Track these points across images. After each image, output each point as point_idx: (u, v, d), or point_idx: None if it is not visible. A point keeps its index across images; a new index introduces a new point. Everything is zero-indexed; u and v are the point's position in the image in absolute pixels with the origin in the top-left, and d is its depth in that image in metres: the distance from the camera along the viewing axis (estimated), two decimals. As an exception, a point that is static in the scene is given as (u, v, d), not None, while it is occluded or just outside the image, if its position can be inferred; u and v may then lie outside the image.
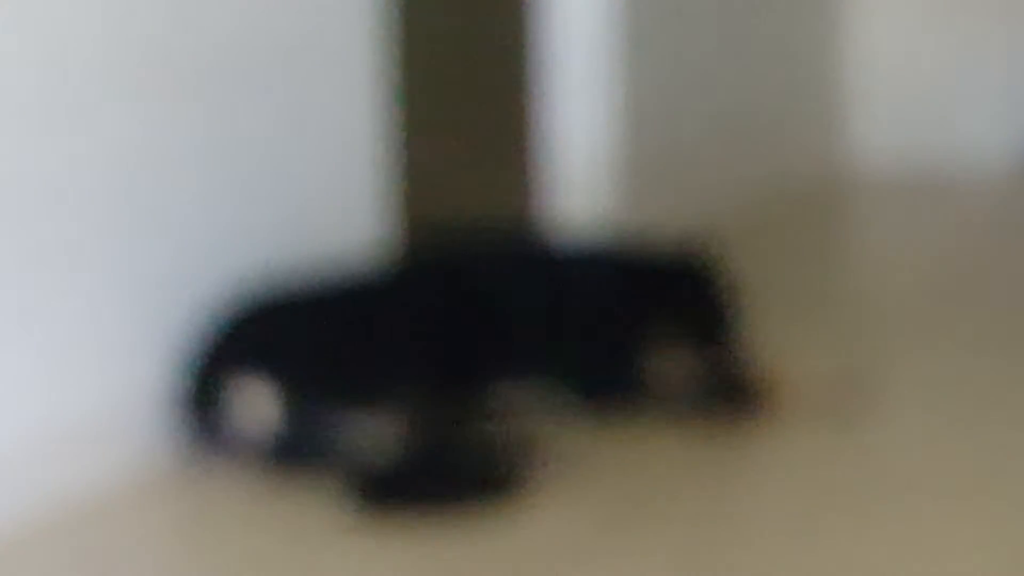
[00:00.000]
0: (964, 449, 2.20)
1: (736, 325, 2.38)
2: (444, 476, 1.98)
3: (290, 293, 2.23)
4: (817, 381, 2.44)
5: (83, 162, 2.09)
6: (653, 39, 3.53)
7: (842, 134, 4.31)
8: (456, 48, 3.49)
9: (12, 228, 1.94)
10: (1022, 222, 3.94)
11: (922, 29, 4.19)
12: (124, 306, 2.17)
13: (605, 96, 3.30)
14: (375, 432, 2.06)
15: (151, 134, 2.20)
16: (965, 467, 2.10)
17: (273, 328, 2.17)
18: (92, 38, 2.12)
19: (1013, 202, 4.09)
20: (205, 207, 2.31)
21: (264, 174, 2.45)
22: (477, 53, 3.51)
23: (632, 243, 2.60)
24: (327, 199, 2.60)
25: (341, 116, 2.64)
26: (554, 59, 3.31)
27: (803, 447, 2.22)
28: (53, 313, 2.03)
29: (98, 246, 2.12)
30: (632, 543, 1.81)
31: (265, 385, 2.04)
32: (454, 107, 3.47)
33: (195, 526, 2.04)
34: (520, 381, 2.27)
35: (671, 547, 1.82)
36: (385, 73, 2.69)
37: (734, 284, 2.43)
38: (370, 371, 2.13)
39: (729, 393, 2.26)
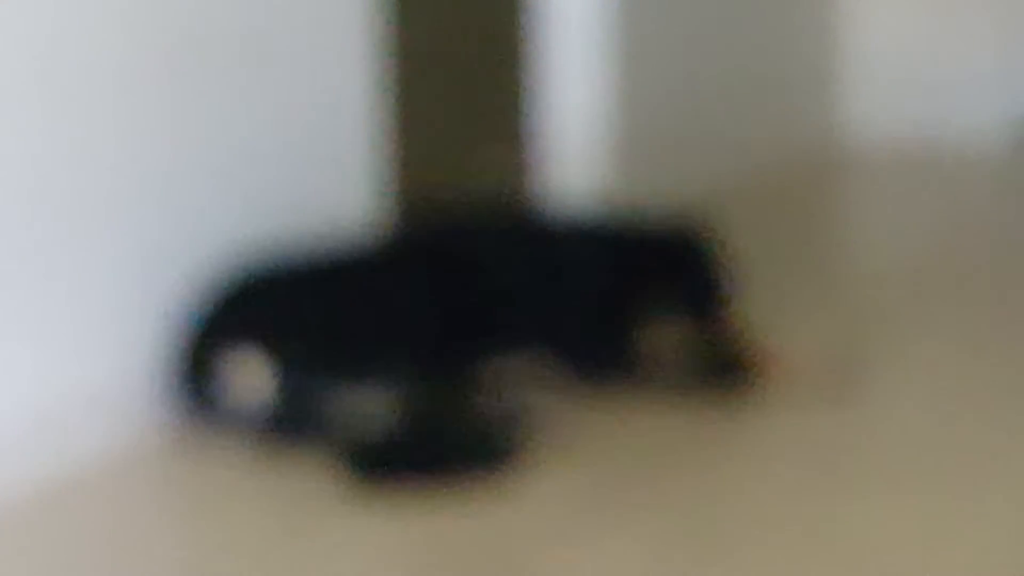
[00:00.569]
0: (954, 427, 2.18)
1: (729, 300, 2.34)
2: (438, 448, 1.97)
3: (284, 267, 2.19)
4: (810, 357, 2.39)
5: (78, 139, 2.06)
6: (647, 14, 3.46)
7: (837, 109, 4.28)
8: (451, 23, 3.36)
9: (9, 205, 1.92)
10: (1014, 198, 3.90)
11: (918, 7, 4.14)
12: (119, 279, 2.14)
13: (600, 71, 3.26)
14: (370, 404, 2.04)
15: (144, 111, 2.16)
16: (954, 444, 2.08)
17: (267, 301, 2.13)
18: (93, 21, 2.08)
19: (1005, 178, 4.04)
20: (198, 181, 2.27)
21: (257, 148, 2.40)
22: (472, 27, 3.40)
23: (626, 217, 2.55)
24: (322, 172, 2.55)
25: (336, 90, 2.59)
26: (549, 33, 3.23)
27: (794, 423, 2.18)
28: (49, 288, 2.01)
29: (93, 221, 2.11)
30: (623, 516, 1.79)
31: (259, 358, 2.01)
32: (449, 81, 3.38)
33: (191, 497, 2.01)
34: (514, 354, 2.23)
35: (662, 520, 1.80)
36: (380, 48, 2.61)
37: (728, 259, 2.39)
38: (365, 344, 2.09)
39: (722, 368, 2.22)
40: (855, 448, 2.10)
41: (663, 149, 3.44)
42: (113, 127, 2.11)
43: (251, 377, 2.03)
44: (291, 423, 2.01)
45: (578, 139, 3.21)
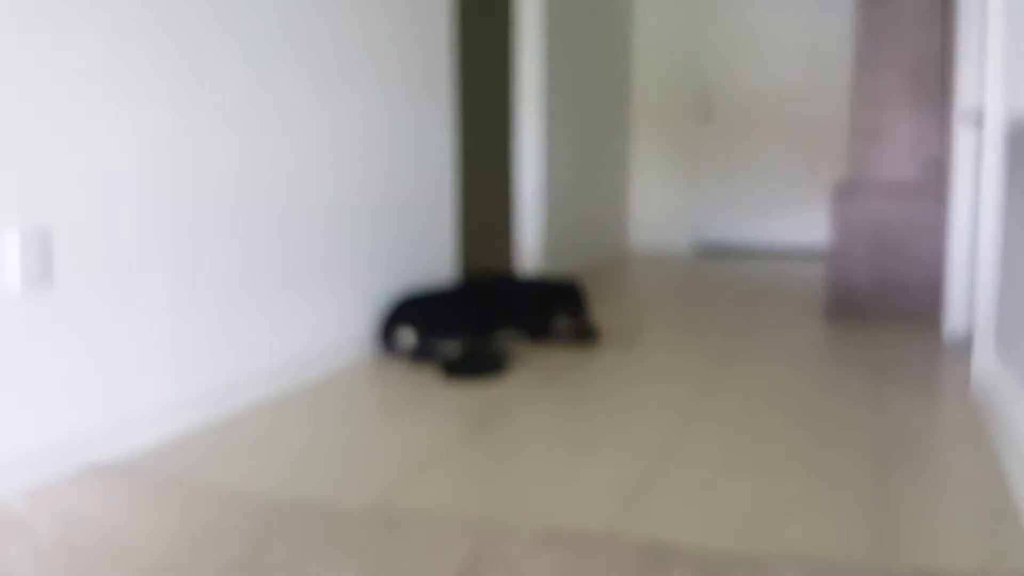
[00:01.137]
0: (674, 361, 3.27)
1: (586, 308, 3.57)
2: (476, 364, 2.99)
3: (420, 291, 3.34)
4: (616, 331, 3.62)
5: (335, 202, 3.11)
6: (556, 193, 5.35)
7: (625, 235, 7.22)
8: (482, 164, 5.52)
9: (318, 236, 3.01)
10: (692, 270, 5.76)
11: (658, 192, 7.22)
12: (358, 292, 3.26)
13: (539, 217, 4.96)
14: (450, 347, 3.12)
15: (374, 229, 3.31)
16: (676, 369, 3.16)
17: (412, 305, 3.23)
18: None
19: (690, 265, 6.10)
20: (392, 250, 3.47)
21: (415, 241, 3.64)
22: (489, 176, 5.56)
23: (548, 276, 4.00)
24: (435, 252, 3.88)
25: (445, 221, 3.87)
26: (521, 203, 5.01)
27: (612, 356, 3.35)
28: (329, 285, 3.05)
29: (349, 261, 3.17)
30: (546, 392, 2.78)
31: (410, 329, 3.18)
32: (476, 214, 5.39)
33: (382, 381, 2.92)
34: (505, 329, 3.40)
35: (563, 393, 2.77)
36: (456, 185, 3.91)
37: (584, 293, 3.60)
38: (450, 323, 3.19)
39: (584, 335, 3.49)
40: (636, 366, 3.18)
41: (563, 250, 5.34)
42: (360, 202, 3.22)
43: (407, 337, 3.17)
44: (421, 355, 3.12)
45: (531, 245, 4.90)
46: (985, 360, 2.60)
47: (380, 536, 1.67)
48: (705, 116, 7.00)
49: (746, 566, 1.53)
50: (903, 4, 4.09)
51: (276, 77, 2.79)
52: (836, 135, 6.81)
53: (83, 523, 1.74)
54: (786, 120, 6.82)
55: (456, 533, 1.68)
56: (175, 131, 2.37)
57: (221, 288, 2.58)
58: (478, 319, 3.30)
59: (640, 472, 2.07)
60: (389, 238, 3.45)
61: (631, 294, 4.98)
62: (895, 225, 4.03)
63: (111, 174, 2.17)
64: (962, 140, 3.50)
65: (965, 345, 3.37)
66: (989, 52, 2.64)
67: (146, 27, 2.26)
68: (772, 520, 1.79)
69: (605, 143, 6.37)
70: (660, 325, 4.06)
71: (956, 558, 1.61)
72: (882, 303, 4.07)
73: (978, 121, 3.32)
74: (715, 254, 6.95)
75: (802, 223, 6.90)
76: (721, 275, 5.74)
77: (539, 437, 2.33)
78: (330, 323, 3.12)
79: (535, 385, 2.90)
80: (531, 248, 5.01)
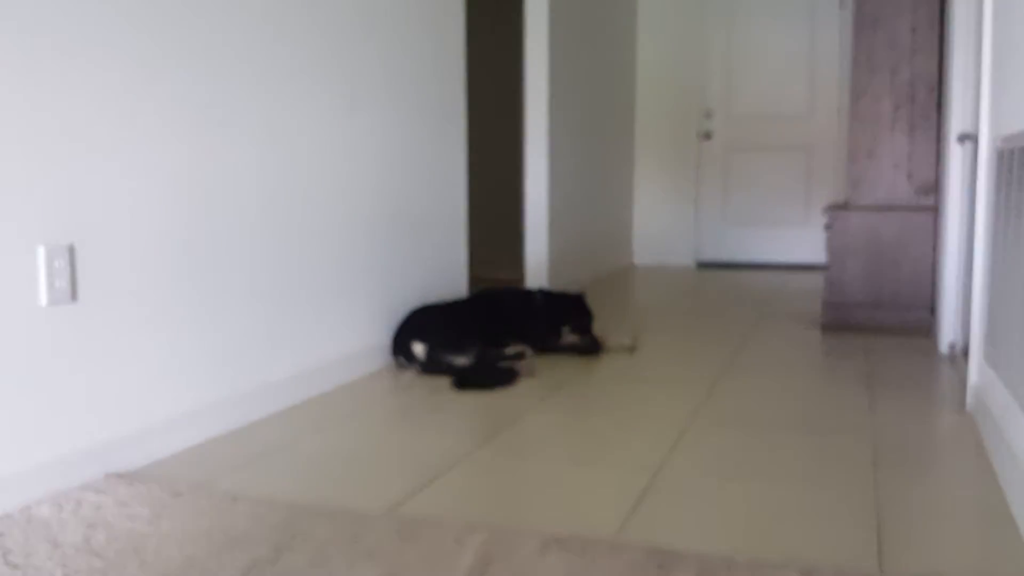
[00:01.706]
0: (674, 365, 3.37)
1: (591, 322, 3.61)
2: (486, 375, 3.03)
3: (430, 304, 3.40)
4: (620, 342, 3.68)
5: (374, 218, 3.19)
6: (562, 207, 5.40)
7: (629, 251, 7.28)
8: (491, 186, 5.61)
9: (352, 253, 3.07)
10: (694, 282, 5.83)
11: (659, 208, 7.22)
12: (374, 304, 3.30)
13: (545, 233, 5.07)
14: (463, 359, 3.15)
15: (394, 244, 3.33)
16: (675, 370, 3.26)
17: (423, 319, 3.27)
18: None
19: (692, 276, 6.18)
20: (406, 266, 3.50)
21: (428, 255, 3.69)
22: (499, 194, 5.67)
23: (555, 291, 3.76)
24: (448, 266, 3.92)
25: (457, 235, 3.93)
26: (528, 218, 5.09)
27: (617, 365, 3.39)
28: (349, 302, 3.11)
29: (362, 274, 3.18)
30: (554, 399, 2.82)
31: (421, 343, 3.20)
32: (486, 229, 5.57)
33: (396, 387, 3.00)
34: (514, 340, 3.38)
35: (569, 402, 2.79)
36: (467, 201, 3.97)
37: (589, 307, 3.68)
38: (461, 336, 3.18)
39: (590, 346, 3.54)
40: (640, 375, 3.22)
41: (568, 265, 5.41)
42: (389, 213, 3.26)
43: (418, 350, 3.20)
44: (432, 366, 3.16)
45: (538, 261, 5.02)
46: (979, 370, 2.59)
47: (395, 540, 1.68)
48: (705, 137, 7.02)
49: (746, 571, 1.53)
50: (897, 29, 4.11)
51: (297, 98, 2.82)
52: (832, 156, 6.82)
53: (106, 528, 1.75)
54: (784, 141, 6.84)
55: (467, 537, 1.69)
56: (196, 150, 2.39)
57: (240, 301, 2.59)
58: (487, 332, 3.31)
59: (644, 479, 2.08)
60: (404, 252, 3.49)
61: (634, 305, 5.02)
62: (889, 240, 4.04)
63: (134, 192, 2.19)
64: (954, 160, 3.50)
65: (960, 356, 3.35)
66: (982, 76, 2.65)
67: (168, 50, 2.28)
68: (773, 526, 1.79)
69: (609, 162, 6.42)
70: (662, 335, 4.08)
71: (953, 566, 1.60)
72: (877, 316, 4.09)
73: (969, 142, 3.33)
74: (715, 269, 6.93)
75: (800, 241, 6.90)
76: (721, 288, 5.77)
77: (547, 444, 2.36)
78: (346, 335, 3.14)
79: (543, 394, 2.93)
80: (538, 262, 5.06)
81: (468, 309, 3.38)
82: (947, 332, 3.60)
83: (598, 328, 3.81)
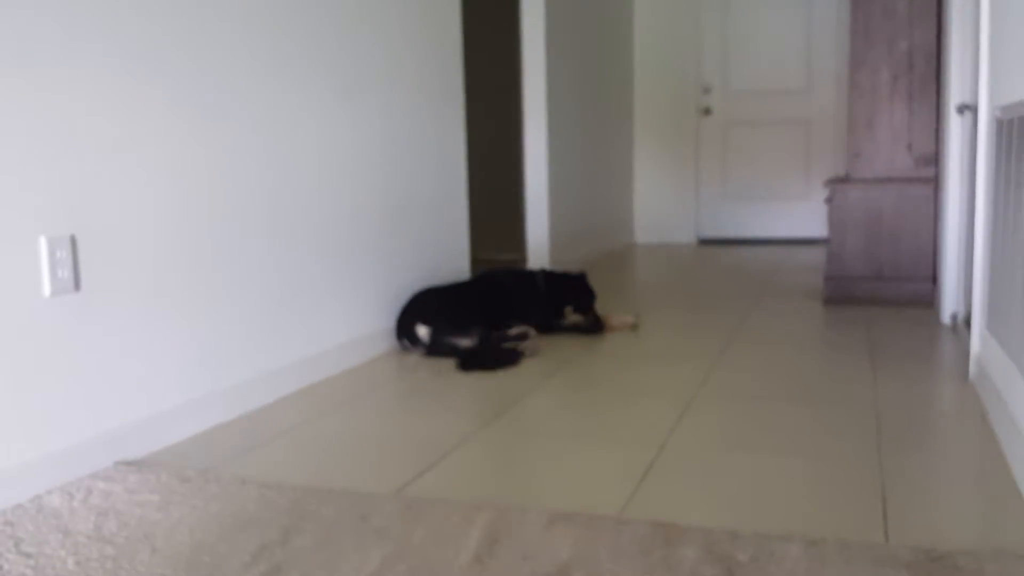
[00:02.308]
0: (676, 342, 3.38)
1: (593, 301, 3.60)
2: (490, 356, 3.04)
3: (433, 287, 3.38)
4: (623, 320, 3.70)
5: (384, 206, 3.21)
6: (562, 186, 5.40)
7: (630, 229, 7.22)
8: (493, 179, 5.65)
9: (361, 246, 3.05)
10: (695, 259, 5.81)
11: (660, 186, 7.17)
12: (379, 288, 3.29)
13: (546, 212, 5.06)
14: (467, 341, 3.15)
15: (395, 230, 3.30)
16: (675, 348, 3.27)
17: (426, 302, 3.27)
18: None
19: (695, 254, 6.13)
20: (409, 254, 3.51)
21: (432, 239, 3.70)
22: (501, 182, 5.72)
23: (557, 271, 3.72)
24: (451, 249, 3.91)
25: (458, 218, 3.94)
26: (529, 199, 5.09)
27: (620, 341, 3.42)
28: (354, 287, 3.10)
29: (367, 259, 3.19)
30: (557, 377, 2.84)
31: (425, 326, 3.21)
32: (488, 211, 5.58)
33: (403, 375, 2.97)
34: (517, 321, 3.38)
35: (573, 380, 2.81)
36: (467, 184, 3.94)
37: (591, 287, 3.66)
38: (465, 318, 3.19)
39: (593, 325, 3.54)
40: (643, 351, 3.24)
41: (570, 244, 5.39)
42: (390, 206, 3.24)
43: (422, 332, 3.20)
44: (436, 349, 3.16)
45: (539, 240, 5.00)
46: (981, 340, 2.59)
47: (403, 520, 1.69)
48: (705, 113, 6.99)
49: (751, 545, 1.53)
50: (895, 0, 4.08)
51: (301, 87, 2.82)
52: (831, 130, 6.79)
53: (116, 516, 1.75)
54: (783, 116, 6.81)
55: (474, 515, 1.69)
56: (198, 139, 2.38)
57: (245, 288, 2.59)
58: (490, 314, 3.31)
59: (649, 454, 2.09)
60: (406, 236, 3.49)
61: (636, 284, 5.02)
62: (890, 212, 4.04)
63: (136, 182, 2.18)
64: (953, 130, 3.49)
65: (962, 326, 3.35)
66: (980, 45, 2.62)
67: (169, 41, 2.26)
68: (776, 499, 1.79)
69: (609, 140, 6.41)
70: (665, 313, 4.09)
71: (958, 534, 1.60)
72: (879, 288, 4.08)
73: (968, 112, 3.31)
74: (717, 246, 6.92)
75: (801, 215, 6.89)
76: (722, 264, 5.76)
77: (551, 423, 2.36)
78: (350, 319, 3.14)
79: (547, 373, 2.94)
80: (539, 243, 5.07)
81: (471, 291, 3.38)
82: (949, 303, 3.59)
83: (600, 307, 3.82)
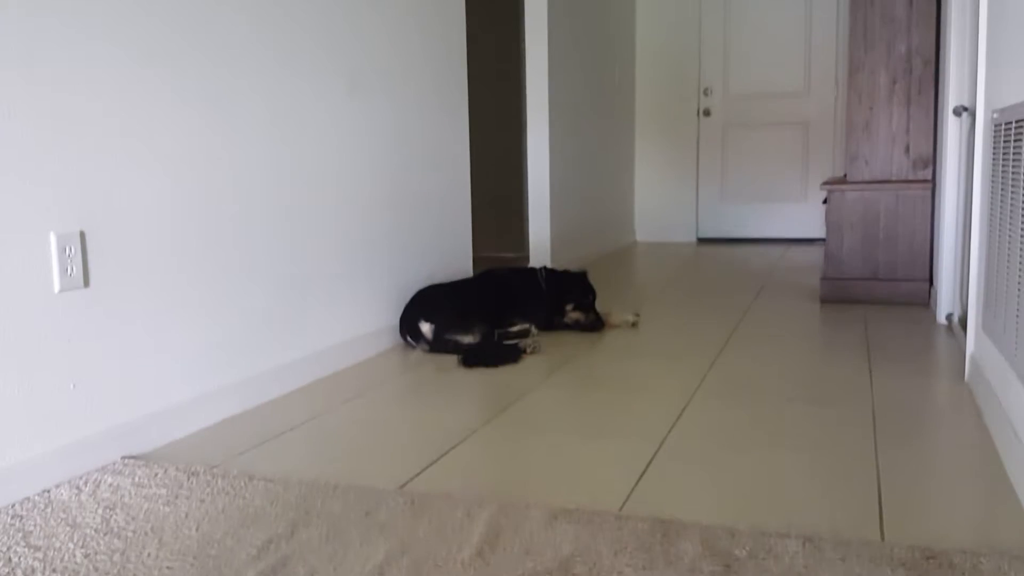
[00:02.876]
0: (675, 339, 3.38)
1: (594, 299, 3.58)
2: (493, 352, 3.03)
3: (437, 285, 3.38)
4: (623, 318, 3.68)
5: (389, 208, 3.14)
6: (563, 186, 5.36)
7: (631, 226, 7.17)
8: (496, 183, 5.62)
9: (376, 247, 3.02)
10: (695, 258, 5.74)
11: (660, 186, 7.17)
12: (386, 285, 3.28)
13: (548, 211, 5.04)
14: (470, 338, 3.15)
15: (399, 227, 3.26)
16: (673, 344, 3.28)
17: (429, 300, 3.27)
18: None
19: (695, 252, 6.07)
20: (416, 248, 3.48)
21: (437, 237, 3.68)
22: (504, 185, 5.65)
23: (558, 269, 3.71)
24: (455, 247, 3.90)
25: (462, 217, 3.93)
26: (531, 198, 5.05)
27: (619, 337, 3.44)
28: (360, 283, 3.10)
29: (374, 256, 3.17)
30: (559, 374, 2.82)
31: (427, 323, 3.20)
32: (489, 215, 5.49)
33: (405, 364, 3.01)
34: (520, 318, 3.40)
35: (574, 376, 2.80)
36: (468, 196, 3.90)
37: (592, 285, 3.63)
38: (467, 315, 3.19)
39: (594, 322, 3.55)
40: (643, 348, 3.25)
41: (571, 243, 5.35)
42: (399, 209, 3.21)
43: (425, 330, 3.20)
44: (439, 345, 3.16)
45: (540, 240, 4.96)
46: (977, 340, 2.59)
47: (407, 515, 1.69)
48: (704, 115, 6.99)
49: (749, 541, 1.53)
50: (893, 3, 4.08)
51: (311, 83, 2.81)
52: (830, 132, 6.79)
53: (124, 509, 1.75)
54: (782, 118, 6.81)
55: (477, 510, 1.69)
56: (205, 136, 2.37)
57: (252, 285, 2.58)
58: (492, 311, 3.30)
59: (648, 451, 2.08)
60: (410, 234, 3.46)
61: (636, 282, 5.01)
62: (887, 213, 4.03)
63: (144, 179, 2.17)
64: (951, 132, 3.48)
65: (958, 327, 3.32)
66: (978, 48, 2.62)
67: (176, 36, 2.25)
68: (775, 496, 1.79)
69: (610, 140, 6.40)
70: (665, 311, 4.07)
71: (953, 531, 1.59)
72: (876, 288, 4.08)
73: (966, 114, 3.30)
74: (716, 245, 6.96)
75: (799, 216, 6.88)
76: (721, 264, 5.74)
77: (553, 419, 2.35)
78: (355, 316, 3.12)
79: (548, 370, 2.92)
80: (541, 241, 5.06)
81: (473, 289, 3.37)
82: (945, 303, 3.59)
83: (601, 305, 3.80)
